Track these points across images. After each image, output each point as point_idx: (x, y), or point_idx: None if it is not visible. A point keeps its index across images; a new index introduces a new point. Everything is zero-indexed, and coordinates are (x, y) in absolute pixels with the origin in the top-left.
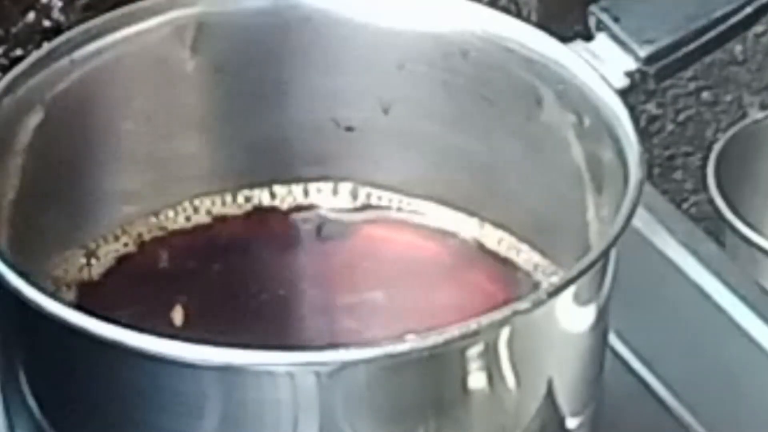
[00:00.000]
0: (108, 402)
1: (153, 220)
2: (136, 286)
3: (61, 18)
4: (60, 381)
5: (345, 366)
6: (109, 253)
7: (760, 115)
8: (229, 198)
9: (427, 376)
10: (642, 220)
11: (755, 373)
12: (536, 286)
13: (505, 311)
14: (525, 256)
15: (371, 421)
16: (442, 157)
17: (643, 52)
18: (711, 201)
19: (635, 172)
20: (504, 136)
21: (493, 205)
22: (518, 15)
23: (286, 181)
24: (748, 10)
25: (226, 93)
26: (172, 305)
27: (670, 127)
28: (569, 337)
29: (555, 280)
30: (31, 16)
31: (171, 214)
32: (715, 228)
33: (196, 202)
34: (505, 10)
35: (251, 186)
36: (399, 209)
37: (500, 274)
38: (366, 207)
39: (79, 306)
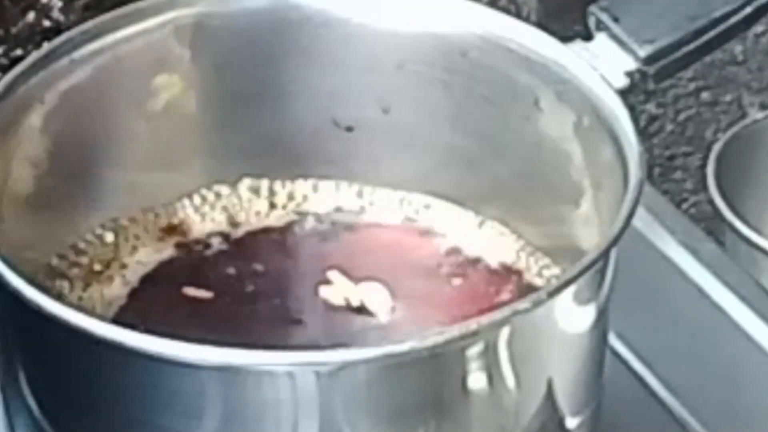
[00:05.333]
0: (108, 402)
1: (150, 218)
2: (133, 283)
3: (61, 18)
4: (60, 381)
5: (345, 366)
6: (107, 250)
7: (760, 115)
8: (227, 197)
9: (427, 376)
10: (642, 220)
11: (755, 373)
12: (536, 285)
13: (505, 311)
14: (525, 256)
15: (371, 421)
16: (442, 156)
17: (643, 52)
18: (711, 201)
19: (635, 172)
20: (504, 136)
21: (492, 204)
22: (518, 15)
23: (286, 181)
24: (748, 10)
25: (226, 93)
26: (172, 300)
27: (670, 127)
28: (569, 337)
29: (555, 279)
30: (31, 16)
31: (169, 212)
32: (715, 228)
33: (195, 200)
34: (505, 10)
35: (250, 185)
36: (399, 209)
37: (500, 273)
38: (366, 206)
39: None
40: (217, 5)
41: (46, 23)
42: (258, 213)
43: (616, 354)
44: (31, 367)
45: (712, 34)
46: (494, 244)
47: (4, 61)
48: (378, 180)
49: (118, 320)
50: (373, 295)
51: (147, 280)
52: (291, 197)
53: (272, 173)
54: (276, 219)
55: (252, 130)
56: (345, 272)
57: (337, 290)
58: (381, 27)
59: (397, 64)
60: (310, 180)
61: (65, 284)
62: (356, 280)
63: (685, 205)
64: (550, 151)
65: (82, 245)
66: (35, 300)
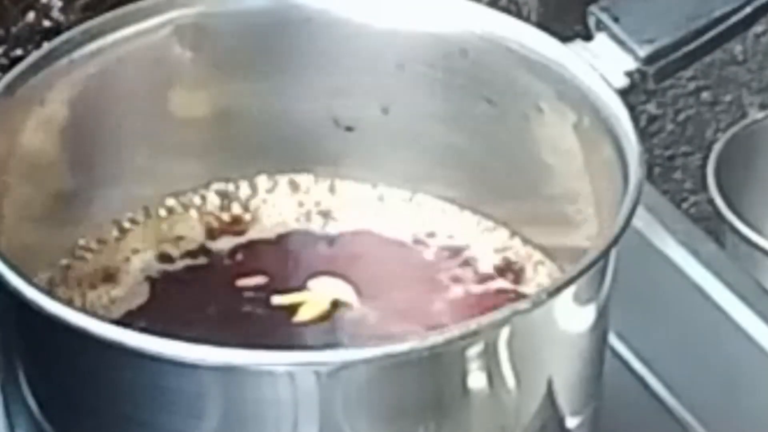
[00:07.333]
0: (108, 402)
1: (150, 218)
2: (133, 286)
3: (61, 18)
4: (60, 381)
5: (345, 366)
6: (105, 249)
7: (760, 115)
8: (226, 196)
9: (427, 376)
10: (642, 220)
11: (755, 373)
12: (536, 285)
13: (505, 311)
14: (525, 255)
15: (371, 421)
16: (441, 156)
17: (643, 51)
18: (711, 201)
19: (635, 172)
20: (504, 136)
21: (492, 204)
22: (518, 15)
23: (285, 180)
24: (748, 10)
25: (226, 93)
26: (166, 300)
27: (670, 127)
28: (569, 337)
29: (555, 279)
30: (31, 16)
31: (169, 212)
32: (715, 228)
33: (194, 200)
34: (505, 10)
35: (250, 185)
36: (398, 209)
37: (500, 273)
38: (365, 206)
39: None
40: (217, 5)
41: (46, 23)
42: (256, 213)
43: (616, 354)
44: (31, 367)
45: (712, 34)
46: (494, 244)
47: (4, 61)
48: (378, 179)
49: (121, 321)
50: (337, 290)
51: (144, 281)
52: (291, 197)
53: (272, 173)
54: (274, 219)
55: (251, 130)
56: (336, 274)
57: (310, 307)
58: (381, 27)
59: (397, 64)
60: (310, 179)
61: (67, 286)
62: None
63: (685, 205)
64: (550, 151)
65: (82, 246)
66: (36, 300)
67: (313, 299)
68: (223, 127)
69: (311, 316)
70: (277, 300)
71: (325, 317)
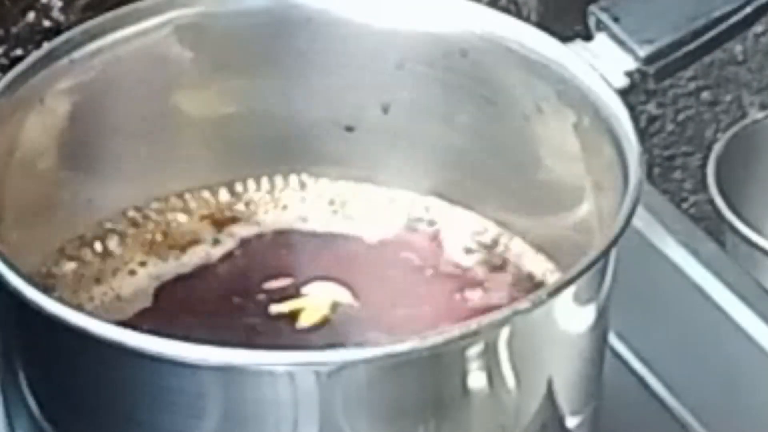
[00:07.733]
0: (108, 402)
1: (149, 219)
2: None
3: (61, 18)
4: (60, 381)
5: (345, 366)
6: (106, 250)
7: (760, 115)
8: (226, 196)
9: (427, 376)
10: (642, 220)
11: (755, 373)
12: (536, 285)
13: (505, 311)
14: (524, 256)
15: (371, 421)
16: (441, 156)
17: (643, 51)
18: (711, 201)
19: (635, 172)
20: (504, 136)
21: (492, 204)
22: (518, 15)
23: (286, 180)
24: (748, 10)
25: (226, 93)
26: (167, 303)
27: (670, 127)
28: (569, 337)
29: (555, 279)
30: (31, 16)
31: (168, 213)
32: (715, 228)
33: (194, 200)
34: (505, 10)
35: (249, 186)
36: (398, 209)
37: (500, 273)
38: (365, 207)
39: None
40: (217, 5)
41: (46, 23)
42: (255, 213)
43: (616, 354)
44: (31, 367)
45: (712, 34)
46: (493, 243)
47: (4, 61)
48: (378, 180)
49: (121, 322)
50: (333, 293)
51: (145, 282)
52: (291, 197)
53: (272, 172)
54: (274, 220)
55: (251, 130)
56: (335, 277)
57: (310, 312)
58: (381, 27)
59: (397, 64)
60: (310, 179)
61: (67, 287)
62: (355, 281)
63: (685, 205)
64: (550, 151)
65: (83, 246)
66: (35, 300)
67: (311, 304)
68: (222, 127)
69: (313, 322)
70: (276, 308)
71: (326, 321)
